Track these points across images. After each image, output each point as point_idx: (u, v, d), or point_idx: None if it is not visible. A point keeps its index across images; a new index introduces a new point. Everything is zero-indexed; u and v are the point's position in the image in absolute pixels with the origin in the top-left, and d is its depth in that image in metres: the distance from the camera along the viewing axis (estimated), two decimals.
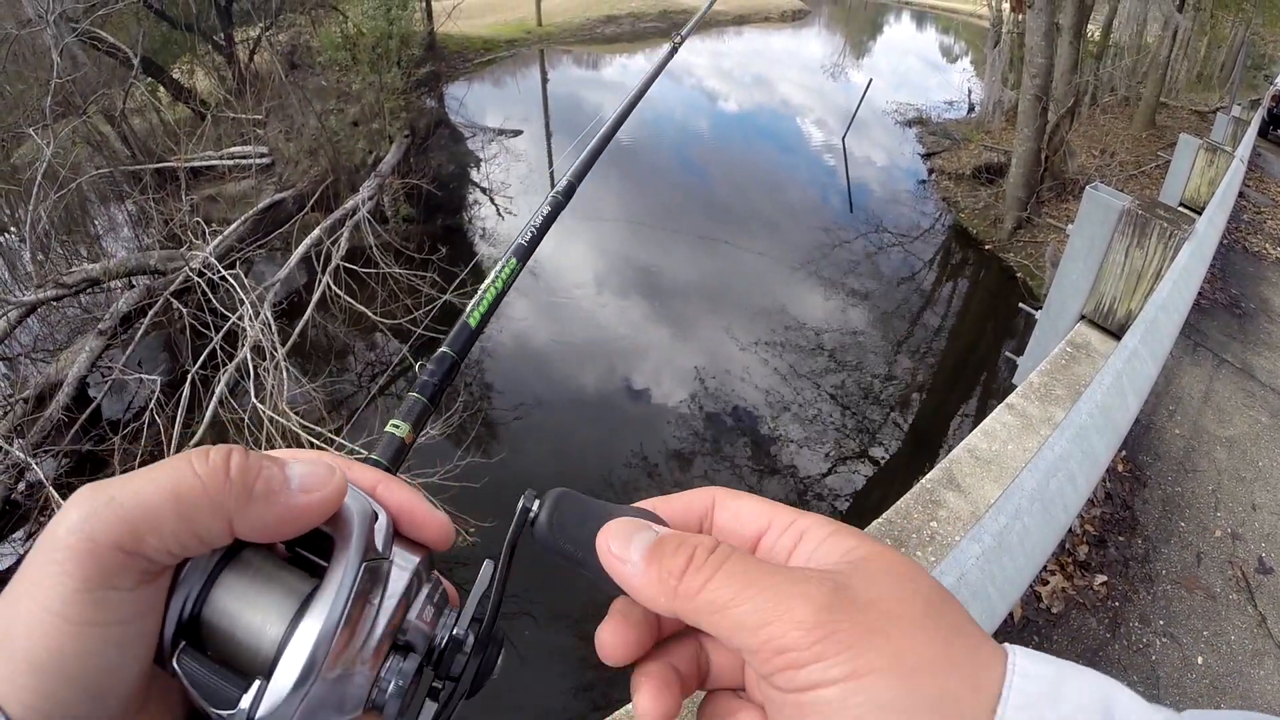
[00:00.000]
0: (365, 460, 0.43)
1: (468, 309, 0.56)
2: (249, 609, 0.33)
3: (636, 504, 0.41)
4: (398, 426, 0.47)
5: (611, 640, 0.38)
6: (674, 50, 1.18)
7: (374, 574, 0.35)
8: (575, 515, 0.39)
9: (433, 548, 0.39)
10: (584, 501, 0.39)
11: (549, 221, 0.67)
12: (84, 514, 0.29)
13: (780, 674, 0.31)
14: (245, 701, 0.31)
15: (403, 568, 0.37)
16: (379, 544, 0.36)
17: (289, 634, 0.32)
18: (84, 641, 0.28)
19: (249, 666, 0.32)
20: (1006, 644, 0.32)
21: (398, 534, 0.38)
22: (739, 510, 0.39)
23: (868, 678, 0.30)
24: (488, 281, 0.59)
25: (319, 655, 0.32)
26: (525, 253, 0.62)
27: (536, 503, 0.39)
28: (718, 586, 0.33)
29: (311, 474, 0.34)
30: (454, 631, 0.38)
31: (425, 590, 0.38)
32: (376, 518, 0.37)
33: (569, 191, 0.72)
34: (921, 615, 0.32)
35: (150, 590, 0.31)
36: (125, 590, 0.29)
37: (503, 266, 0.60)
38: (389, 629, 0.35)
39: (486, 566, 0.39)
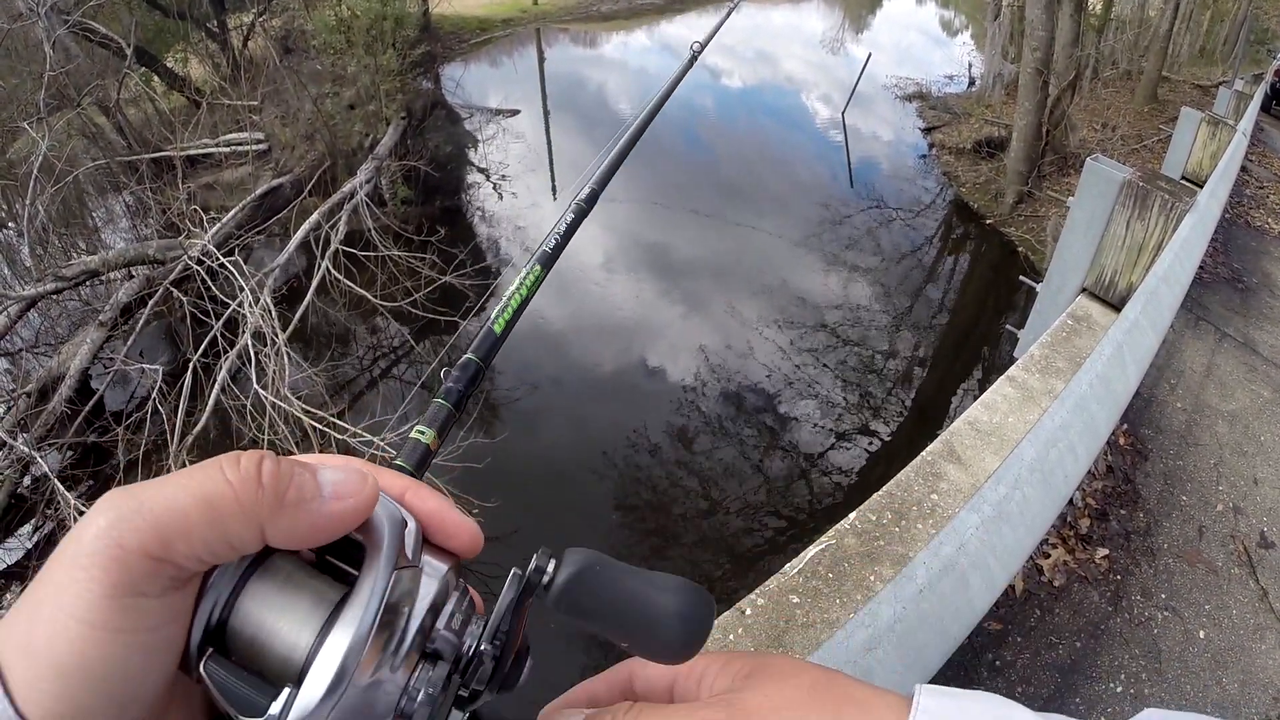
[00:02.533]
0: (391, 466, 0.43)
1: (493, 315, 0.56)
2: (278, 616, 0.32)
3: (570, 691, 0.46)
4: (423, 433, 0.47)
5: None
6: (693, 59, 1.19)
7: (404, 582, 0.34)
8: (596, 585, 0.38)
9: (461, 555, 0.39)
10: (600, 570, 0.39)
11: (573, 229, 0.67)
12: (111, 519, 0.28)
13: None
14: (275, 709, 0.30)
15: (432, 576, 0.37)
16: (409, 552, 0.36)
17: (319, 642, 0.31)
18: (110, 648, 0.28)
19: (278, 674, 0.32)
20: (918, 684, 0.38)
21: (426, 541, 0.38)
22: (649, 674, 0.44)
23: None
24: (512, 289, 0.59)
25: (351, 664, 0.31)
26: (549, 260, 0.62)
27: (552, 563, 0.38)
28: None
29: (344, 481, 0.34)
30: (480, 644, 0.37)
31: (453, 599, 0.37)
32: (406, 524, 0.36)
33: (592, 199, 0.73)
34: (807, 699, 0.37)
35: (178, 597, 0.30)
36: (153, 597, 0.29)
37: (527, 274, 0.60)
38: (419, 638, 0.35)
39: (513, 576, 0.39)
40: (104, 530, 0.28)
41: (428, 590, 0.36)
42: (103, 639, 0.27)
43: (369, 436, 5.27)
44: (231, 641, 0.32)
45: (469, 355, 0.53)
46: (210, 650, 0.32)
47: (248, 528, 0.31)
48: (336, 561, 0.36)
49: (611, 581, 0.38)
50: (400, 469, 0.44)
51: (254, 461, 0.32)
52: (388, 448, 5.16)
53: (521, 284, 0.59)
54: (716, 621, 2.02)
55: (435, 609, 0.36)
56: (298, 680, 0.31)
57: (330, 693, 0.30)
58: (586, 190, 0.73)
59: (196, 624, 0.32)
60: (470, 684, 0.37)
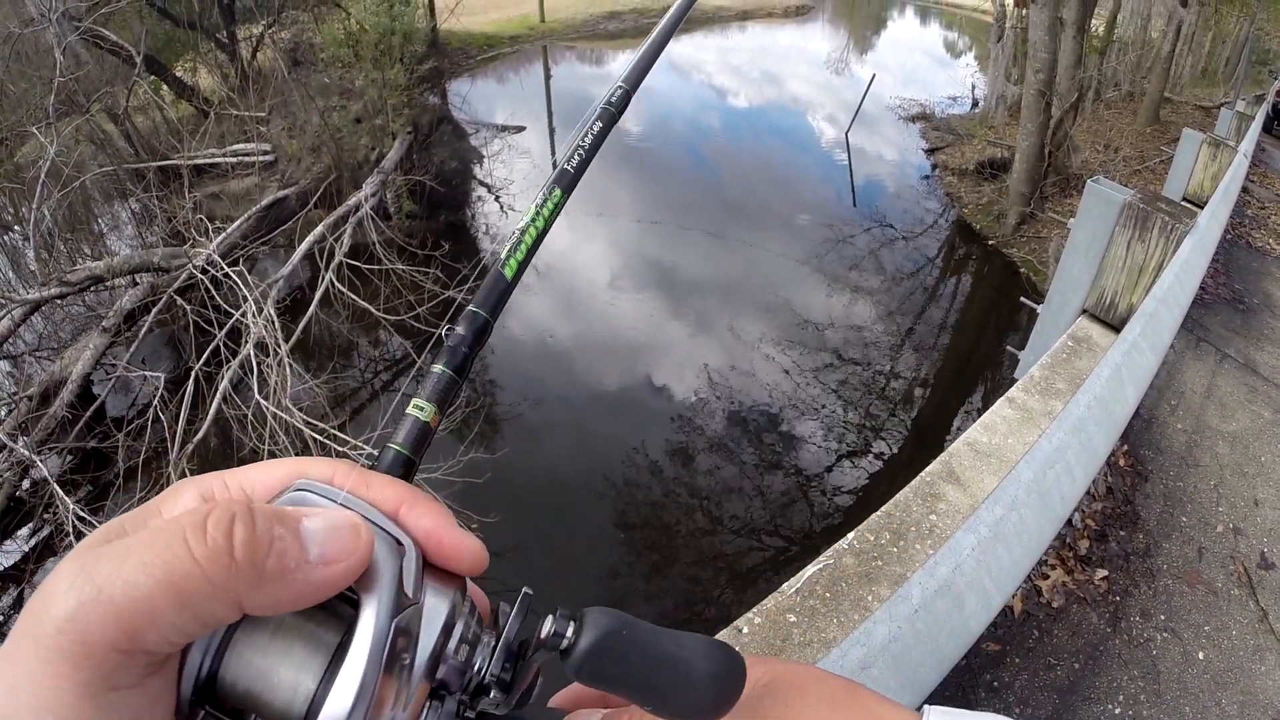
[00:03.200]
0: (384, 452, 0.39)
1: (501, 256, 0.46)
2: (275, 666, 0.30)
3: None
4: (421, 408, 0.40)
5: None
6: None
7: (406, 623, 0.32)
8: (621, 651, 0.35)
9: (465, 575, 0.37)
10: (625, 634, 0.35)
11: (600, 140, 0.54)
12: (71, 609, 0.25)
13: None
14: None
15: (436, 606, 0.34)
16: (408, 586, 0.33)
17: (323, 693, 0.29)
18: None
19: None
20: (925, 705, 0.38)
21: (427, 564, 0.35)
22: None
23: None
24: (526, 220, 0.47)
25: (359, 715, 0.29)
26: (571, 181, 0.51)
27: (570, 626, 0.35)
28: None
29: (333, 541, 0.30)
30: (490, 670, 0.35)
31: (460, 626, 0.35)
32: (404, 551, 0.34)
33: (624, 101, 0.57)
34: (829, 711, 0.39)
35: (157, 679, 0.28)
36: (129, 688, 0.26)
37: (544, 200, 0.49)
38: (425, 677, 0.33)
39: (524, 597, 0.37)
40: (64, 623, 0.25)
41: (432, 625, 0.34)
42: None
43: (369, 450, 5.25)
44: (224, 693, 0.30)
45: (473, 308, 0.45)
46: (204, 711, 0.30)
47: (222, 605, 0.28)
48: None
49: (637, 646, 0.35)
50: (398, 454, 0.39)
51: (223, 530, 0.28)
52: (399, 446, 5.13)
53: (539, 214, 0.48)
54: None
55: (442, 643, 0.34)
56: None
57: None
58: (617, 91, 0.57)
59: (185, 678, 0.29)
60: (478, 706, 0.36)
